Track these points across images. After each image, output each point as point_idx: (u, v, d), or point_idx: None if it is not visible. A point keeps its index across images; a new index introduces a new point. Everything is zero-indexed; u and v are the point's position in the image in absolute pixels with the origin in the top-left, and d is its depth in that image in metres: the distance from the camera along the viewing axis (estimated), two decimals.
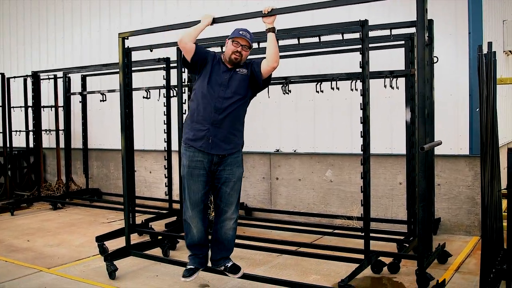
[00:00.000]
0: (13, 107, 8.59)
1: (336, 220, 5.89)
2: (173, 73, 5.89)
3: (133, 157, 5.49)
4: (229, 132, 3.59)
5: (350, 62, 5.30)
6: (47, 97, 8.66)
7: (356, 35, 4.62)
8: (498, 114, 3.78)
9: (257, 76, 3.63)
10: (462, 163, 5.41)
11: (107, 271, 4.24)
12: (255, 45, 4.41)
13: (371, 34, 4.49)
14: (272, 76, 3.75)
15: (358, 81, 4.86)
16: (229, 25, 3.99)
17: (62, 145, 8.32)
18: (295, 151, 6.45)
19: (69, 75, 8.21)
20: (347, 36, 4.80)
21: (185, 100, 5.42)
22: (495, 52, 3.56)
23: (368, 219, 3.98)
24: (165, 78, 5.96)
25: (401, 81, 5.12)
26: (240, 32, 3.63)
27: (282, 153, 6.54)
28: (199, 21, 3.80)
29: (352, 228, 5.54)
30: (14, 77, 8.58)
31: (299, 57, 5.84)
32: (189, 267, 3.71)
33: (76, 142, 8.55)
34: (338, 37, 4.89)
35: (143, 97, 6.80)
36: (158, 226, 5.82)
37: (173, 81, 6.01)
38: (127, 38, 4.64)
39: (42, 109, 8.19)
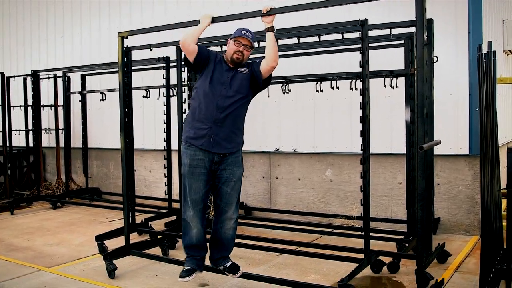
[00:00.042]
0: (13, 106, 8.58)
1: (336, 220, 5.89)
2: (173, 72, 5.90)
3: (132, 156, 5.49)
4: (231, 130, 3.59)
5: (350, 61, 5.30)
6: (46, 96, 8.65)
7: (356, 35, 4.62)
8: (498, 113, 3.78)
9: (257, 76, 3.63)
10: (462, 163, 5.41)
11: (107, 270, 4.24)
12: (255, 45, 4.41)
13: (371, 33, 4.49)
14: (272, 75, 3.75)
15: (358, 80, 4.85)
16: (229, 25, 3.99)
17: (62, 144, 8.31)
18: (294, 150, 6.45)
19: (69, 74, 8.19)
20: (347, 35, 4.81)
21: (185, 99, 5.41)
22: (495, 51, 3.56)
23: (368, 218, 3.98)
24: (164, 77, 5.96)
25: (401, 81, 5.12)
26: (242, 31, 3.63)
27: (282, 152, 6.54)
28: (198, 21, 3.79)
29: (352, 227, 5.54)
30: (14, 76, 8.57)
31: (299, 57, 5.84)
32: (186, 267, 3.63)
33: (76, 141, 8.55)
34: (338, 36, 4.89)
35: (143, 97, 6.81)
36: (158, 225, 5.83)
37: (173, 80, 6.02)
38: (126, 37, 4.64)
39: (42, 108, 8.20)
